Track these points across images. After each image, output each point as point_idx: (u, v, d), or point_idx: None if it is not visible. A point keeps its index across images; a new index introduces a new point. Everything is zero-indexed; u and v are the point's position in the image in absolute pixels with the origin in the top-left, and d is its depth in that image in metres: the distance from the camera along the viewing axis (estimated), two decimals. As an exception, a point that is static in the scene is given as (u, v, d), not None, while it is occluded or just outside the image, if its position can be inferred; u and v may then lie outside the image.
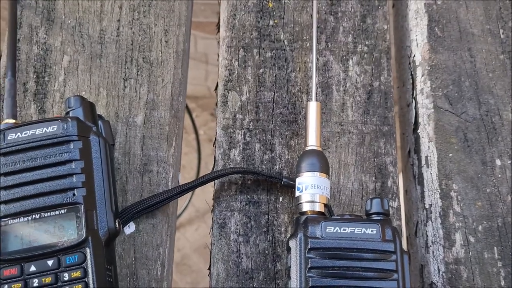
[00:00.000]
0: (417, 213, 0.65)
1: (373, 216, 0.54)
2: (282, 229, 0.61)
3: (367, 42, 0.69)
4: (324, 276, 0.51)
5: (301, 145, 0.64)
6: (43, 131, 0.53)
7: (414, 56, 0.70)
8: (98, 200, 0.53)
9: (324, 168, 0.57)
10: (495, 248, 0.61)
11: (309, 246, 0.52)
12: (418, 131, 0.67)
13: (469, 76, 0.68)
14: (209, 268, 0.61)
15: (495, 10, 0.71)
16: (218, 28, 0.71)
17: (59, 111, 0.64)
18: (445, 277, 0.60)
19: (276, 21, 0.69)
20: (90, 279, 0.50)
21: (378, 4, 0.71)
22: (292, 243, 0.52)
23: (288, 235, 0.60)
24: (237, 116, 0.65)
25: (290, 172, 0.63)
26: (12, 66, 0.61)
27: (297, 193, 0.57)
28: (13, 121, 0.57)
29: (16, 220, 0.51)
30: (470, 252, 0.61)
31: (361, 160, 0.64)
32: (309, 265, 0.51)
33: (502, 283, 0.60)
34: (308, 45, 0.69)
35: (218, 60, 0.69)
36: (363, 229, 0.52)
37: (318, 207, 0.56)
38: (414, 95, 0.69)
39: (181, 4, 0.70)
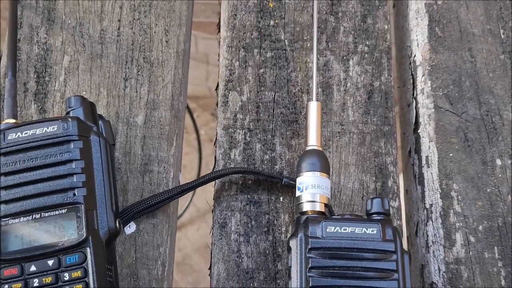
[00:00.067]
0: (417, 213, 0.65)
1: (373, 216, 0.54)
2: (283, 229, 0.61)
3: (367, 42, 0.69)
4: (325, 276, 0.51)
5: (301, 145, 0.64)
6: (44, 131, 0.53)
7: (415, 56, 0.70)
8: (99, 200, 0.53)
9: (324, 168, 0.57)
10: (495, 248, 0.61)
11: (309, 246, 0.52)
12: (418, 131, 0.67)
13: (469, 76, 0.68)
14: (210, 268, 0.61)
15: (495, 10, 0.71)
16: (219, 28, 0.71)
17: (60, 111, 0.64)
18: (445, 277, 0.60)
19: (276, 21, 0.69)
20: (91, 279, 0.50)
21: (379, 4, 0.71)
22: (293, 243, 0.52)
23: (289, 235, 0.60)
24: (237, 116, 0.65)
25: (290, 172, 0.63)
26: (12, 66, 0.61)
27: (297, 193, 0.57)
28: (14, 121, 0.57)
29: (17, 220, 0.51)
30: (471, 252, 0.61)
31: (362, 160, 0.64)
32: (310, 265, 0.51)
33: (503, 283, 0.60)
34: (308, 45, 0.69)
35: (218, 60, 0.69)
36: (364, 229, 0.52)
37: (319, 207, 0.56)
38: (415, 95, 0.69)
39: (181, 4, 0.70)
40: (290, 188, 0.62)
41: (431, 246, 0.62)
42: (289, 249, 0.53)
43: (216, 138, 0.65)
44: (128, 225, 0.60)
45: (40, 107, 0.64)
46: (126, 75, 0.66)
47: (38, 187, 0.52)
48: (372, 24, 0.70)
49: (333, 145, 0.65)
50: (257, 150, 0.64)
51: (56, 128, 0.53)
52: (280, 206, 0.62)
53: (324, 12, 0.70)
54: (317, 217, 0.54)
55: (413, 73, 0.70)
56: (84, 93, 0.65)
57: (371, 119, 0.66)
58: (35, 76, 0.65)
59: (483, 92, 0.67)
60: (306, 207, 0.56)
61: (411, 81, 0.70)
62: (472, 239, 0.61)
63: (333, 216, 0.56)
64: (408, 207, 0.69)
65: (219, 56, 0.69)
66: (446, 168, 0.64)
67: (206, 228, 1.61)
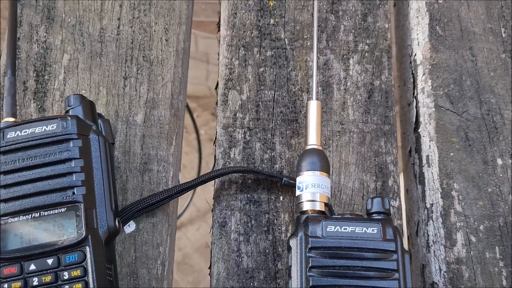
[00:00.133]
0: (418, 212, 0.65)
1: (374, 215, 0.54)
2: (283, 228, 0.61)
3: (368, 41, 0.69)
4: (325, 275, 0.51)
5: (301, 144, 0.64)
6: (43, 130, 0.53)
7: (415, 55, 0.70)
8: (98, 198, 0.53)
9: (324, 167, 0.57)
10: (496, 247, 0.61)
11: (309, 245, 0.51)
12: (419, 130, 0.67)
13: (470, 75, 0.68)
14: (210, 268, 0.61)
15: (496, 9, 0.71)
16: (219, 27, 0.71)
17: (59, 109, 0.64)
18: (446, 276, 0.60)
19: (276, 19, 0.69)
20: (90, 278, 0.50)
21: (379, 3, 0.71)
22: (293, 242, 0.52)
23: (289, 234, 0.60)
24: (237, 115, 0.65)
25: (290, 171, 0.63)
26: (12, 64, 0.61)
27: (297, 192, 0.57)
28: (13, 119, 0.57)
29: (16, 219, 0.51)
30: (472, 252, 0.61)
31: (362, 159, 0.64)
32: (310, 264, 0.51)
33: (504, 283, 0.60)
34: (308, 44, 0.68)
35: (218, 59, 0.69)
36: (364, 229, 0.52)
37: (319, 206, 0.56)
38: (415, 94, 0.69)
39: (181, 2, 0.70)
40: (290, 187, 0.61)
41: (431, 245, 0.62)
42: (289, 249, 0.53)
43: (215, 137, 0.65)
44: (127, 224, 0.60)
45: (39, 106, 0.64)
46: (125, 73, 0.66)
47: (38, 186, 0.52)
48: (373, 23, 0.70)
49: (333, 144, 0.65)
50: (257, 149, 0.64)
51: (55, 127, 0.53)
52: (280, 206, 0.62)
53: (325, 11, 0.70)
54: (317, 216, 0.54)
55: (413, 72, 0.70)
56: (84, 91, 0.65)
57: (372, 118, 0.66)
58: (35, 74, 0.65)
59: (484, 91, 0.67)
60: (306, 206, 0.56)
61: (412, 80, 0.70)
62: (473, 239, 0.61)
63: (333, 216, 0.56)
64: (408, 206, 0.69)
65: (219, 55, 0.69)
66: (446, 168, 0.64)
67: (206, 227, 1.61)
